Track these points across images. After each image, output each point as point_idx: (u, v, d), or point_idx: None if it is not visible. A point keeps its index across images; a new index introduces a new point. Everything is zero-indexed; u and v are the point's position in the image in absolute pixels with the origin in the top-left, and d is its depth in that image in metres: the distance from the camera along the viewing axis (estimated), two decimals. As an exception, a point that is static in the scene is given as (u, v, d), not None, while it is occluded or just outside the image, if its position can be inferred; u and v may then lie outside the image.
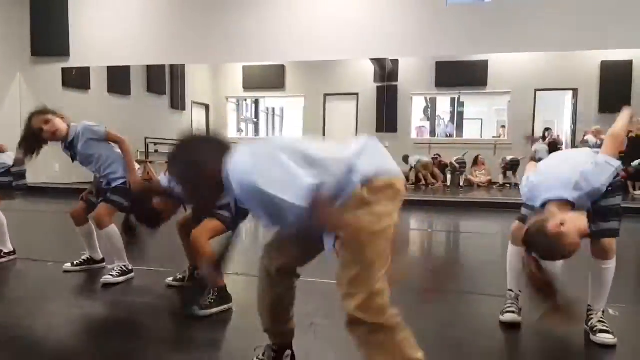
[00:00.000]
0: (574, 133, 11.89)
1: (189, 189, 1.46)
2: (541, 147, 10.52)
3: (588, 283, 2.16)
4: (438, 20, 7.37)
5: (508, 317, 2.26)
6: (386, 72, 12.51)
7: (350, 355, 1.93)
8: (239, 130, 15.51)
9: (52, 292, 2.76)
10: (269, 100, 15.88)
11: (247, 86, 13.88)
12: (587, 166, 1.90)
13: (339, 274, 1.36)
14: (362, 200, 1.32)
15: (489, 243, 4.87)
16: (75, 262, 3.15)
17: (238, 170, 1.29)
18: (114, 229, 2.87)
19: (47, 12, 8.70)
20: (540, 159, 2.79)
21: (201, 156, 1.38)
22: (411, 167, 11.25)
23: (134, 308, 2.50)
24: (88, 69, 9.62)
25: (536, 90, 11.96)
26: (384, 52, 8.81)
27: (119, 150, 2.91)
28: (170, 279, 2.85)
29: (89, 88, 10.18)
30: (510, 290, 2.34)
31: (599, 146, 2.30)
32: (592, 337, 2.09)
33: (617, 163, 1.92)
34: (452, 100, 13.55)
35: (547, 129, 11.74)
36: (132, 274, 2.95)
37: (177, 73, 12.70)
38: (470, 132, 14.05)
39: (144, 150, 10.36)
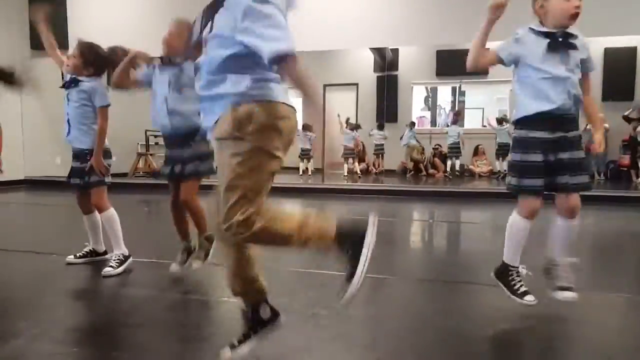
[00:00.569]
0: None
1: None
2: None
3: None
4: (438, 9, 7.30)
5: (529, 298, 2.19)
6: (386, 61, 12.44)
7: (350, 345, 1.94)
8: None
9: (54, 284, 2.77)
10: (269, 91, 15.82)
11: (246, 77, 13.81)
12: None
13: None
14: None
15: (486, 233, 4.87)
16: (78, 255, 3.17)
17: None
18: (112, 212, 3.00)
19: (46, 5, 8.63)
20: None
21: None
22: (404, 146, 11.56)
23: (136, 300, 2.51)
24: (87, 61, 9.55)
25: (538, 78, 11.87)
26: (384, 41, 8.74)
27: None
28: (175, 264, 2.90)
29: (89, 81, 10.10)
30: (516, 267, 2.25)
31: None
32: (555, 295, 2.16)
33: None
34: (453, 89, 13.49)
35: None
36: (130, 259, 3.00)
37: (177, 64, 12.61)
38: (471, 121, 13.98)
39: (144, 142, 10.34)
